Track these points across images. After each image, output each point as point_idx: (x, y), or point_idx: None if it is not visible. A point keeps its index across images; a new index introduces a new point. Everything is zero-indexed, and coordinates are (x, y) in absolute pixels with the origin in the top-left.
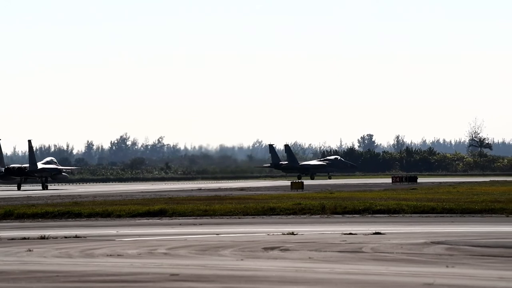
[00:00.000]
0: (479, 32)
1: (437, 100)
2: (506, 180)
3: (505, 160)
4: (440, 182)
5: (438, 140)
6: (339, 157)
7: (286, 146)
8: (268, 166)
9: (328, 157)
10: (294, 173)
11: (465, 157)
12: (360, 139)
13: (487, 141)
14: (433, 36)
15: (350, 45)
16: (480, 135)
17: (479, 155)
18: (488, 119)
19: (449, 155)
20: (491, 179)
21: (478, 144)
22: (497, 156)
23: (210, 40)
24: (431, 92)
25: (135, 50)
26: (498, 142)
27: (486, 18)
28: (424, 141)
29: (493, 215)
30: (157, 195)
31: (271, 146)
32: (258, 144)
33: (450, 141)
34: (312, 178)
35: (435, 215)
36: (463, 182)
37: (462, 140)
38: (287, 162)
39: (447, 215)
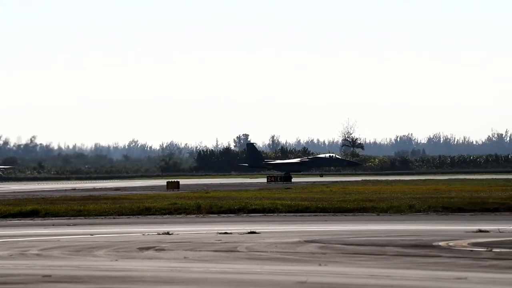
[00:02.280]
0: (351, 34)
1: (311, 100)
2: (377, 180)
3: (376, 160)
4: (314, 182)
5: (312, 140)
6: (334, 155)
7: (249, 144)
8: (246, 166)
9: (318, 155)
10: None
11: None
12: (236, 139)
13: (359, 141)
14: (303, 37)
15: (224, 45)
16: (353, 135)
17: (352, 154)
18: (361, 120)
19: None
20: (363, 179)
21: (350, 144)
22: (368, 156)
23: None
24: (306, 92)
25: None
26: (370, 142)
27: (358, 19)
28: (299, 141)
29: (365, 213)
30: (29, 195)
31: (249, 144)
32: (134, 144)
33: (324, 141)
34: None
35: (309, 214)
36: (336, 182)
37: (335, 140)
38: (251, 160)
39: (321, 214)
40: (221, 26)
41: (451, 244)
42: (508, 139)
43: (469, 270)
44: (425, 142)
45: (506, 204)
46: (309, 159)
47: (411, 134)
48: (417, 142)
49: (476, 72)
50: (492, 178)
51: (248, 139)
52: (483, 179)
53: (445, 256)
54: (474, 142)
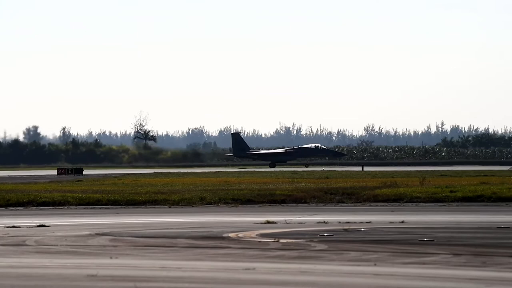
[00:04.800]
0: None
1: (103, 92)
2: (169, 172)
3: (169, 152)
4: (106, 174)
5: (104, 132)
6: (319, 145)
7: (234, 134)
8: (232, 155)
9: (303, 146)
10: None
11: (130, 149)
12: (25, 131)
13: (151, 134)
14: (84, 33)
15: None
16: (145, 127)
17: (144, 147)
18: (153, 112)
19: (115, 147)
20: (155, 171)
21: (143, 136)
22: (161, 148)
23: None
24: (98, 84)
25: None
26: (162, 135)
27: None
28: (91, 133)
29: (156, 206)
30: None
31: (234, 134)
32: None
33: (116, 133)
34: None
35: (100, 206)
36: (129, 174)
37: (128, 133)
38: (236, 150)
39: (112, 206)
40: None
41: (240, 235)
42: (295, 132)
43: (257, 261)
44: (217, 134)
45: (292, 195)
46: (294, 149)
47: (203, 126)
48: (208, 134)
49: (269, 65)
50: (280, 171)
51: (38, 131)
52: (271, 171)
53: (235, 247)
54: (263, 135)
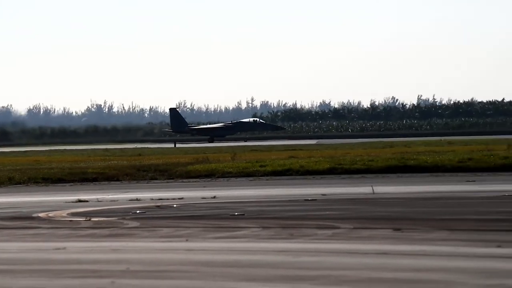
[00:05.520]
0: None
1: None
2: None
3: None
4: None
5: None
6: (258, 120)
7: (172, 109)
8: (170, 131)
9: (242, 120)
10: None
11: None
12: None
13: None
14: None
15: None
16: None
17: None
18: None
19: None
20: None
21: None
22: None
23: None
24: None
25: None
26: None
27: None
28: None
29: None
30: None
31: (171, 109)
32: None
33: None
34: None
35: None
36: None
37: None
38: (175, 126)
39: None
40: None
41: (50, 215)
42: (106, 109)
43: (68, 240)
44: (25, 113)
45: (105, 173)
46: (233, 123)
47: (11, 105)
48: (16, 113)
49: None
50: (92, 149)
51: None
52: (83, 149)
53: (45, 227)
54: (74, 113)
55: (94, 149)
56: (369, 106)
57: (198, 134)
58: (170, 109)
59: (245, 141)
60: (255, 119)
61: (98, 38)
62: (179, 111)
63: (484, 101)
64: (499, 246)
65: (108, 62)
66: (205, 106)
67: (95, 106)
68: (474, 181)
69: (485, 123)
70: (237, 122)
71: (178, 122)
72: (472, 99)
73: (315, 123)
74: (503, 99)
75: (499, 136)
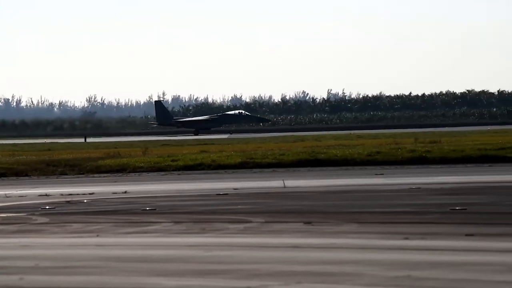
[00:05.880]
0: None
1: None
2: None
3: None
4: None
5: None
6: (243, 112)
7: (157, 102)
8: (156, 124)
9: (227, 112)
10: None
11: None
12: None
13: None
14: None
15: None
16: None
17: None
18: None
19: None
20: None
21: None
22: None
23: None
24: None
25: None
26: None
27: None
28: None
29: None
30: None
31: (157, 102)
32: None
33: None
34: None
35: None
36: None
37: None
38: (160, 118)
39: None
40: None
41: None
42: (15, 104)
43: None
44: None
45: (13, 169)
46: (218, 116)
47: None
48: None
49: None
50: (1, 144)
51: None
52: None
53: None
54: None
55: (2, 144)
56: (280, 100)
57: (184, 127)
58: (156, 102)
59: (230, 134)
60: (241, 111)
61: None
62: (163, 103)
63: (392, 95)
64: (406, 238)
65: (15, 56)
66: (116, 100)
67: (2, 101)
68: (383, 174)
69: (393, 117)
70: (222, 114)
71: (164, 115)
72: (380, 93)
73: None
74: (410, 93)
75: (406, 129)
